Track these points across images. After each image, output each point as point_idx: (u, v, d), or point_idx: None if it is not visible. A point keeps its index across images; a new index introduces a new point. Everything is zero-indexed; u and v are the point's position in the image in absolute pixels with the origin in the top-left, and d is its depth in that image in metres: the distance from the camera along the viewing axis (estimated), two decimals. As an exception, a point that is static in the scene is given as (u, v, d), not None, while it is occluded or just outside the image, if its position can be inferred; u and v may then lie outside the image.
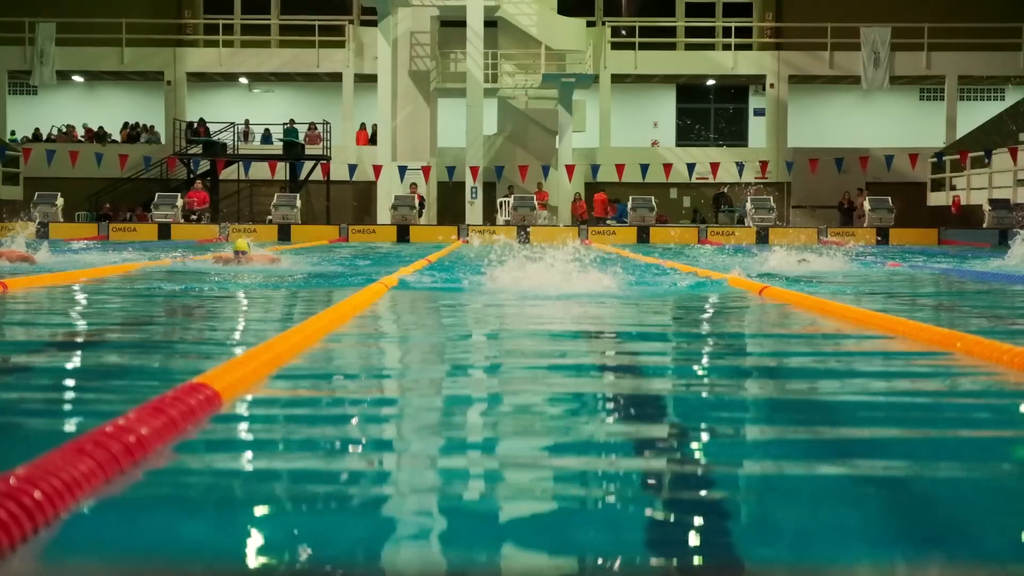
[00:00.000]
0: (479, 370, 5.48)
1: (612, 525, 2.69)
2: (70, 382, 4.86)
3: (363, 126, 38.56)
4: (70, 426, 3.86)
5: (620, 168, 34.53)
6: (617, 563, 2.40)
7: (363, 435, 3.80)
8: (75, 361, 5.59)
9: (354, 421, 4.03)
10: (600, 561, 2.44)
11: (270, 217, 32.85)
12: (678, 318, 8.50)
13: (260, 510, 2.84)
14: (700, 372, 5.41)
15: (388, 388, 4.89)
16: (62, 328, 7.44)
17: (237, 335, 6.97)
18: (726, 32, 38.68)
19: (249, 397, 4.21)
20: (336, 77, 38.34)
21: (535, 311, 8.26)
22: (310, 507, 2.82)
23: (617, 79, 38.33)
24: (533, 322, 7.69)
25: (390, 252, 22.25)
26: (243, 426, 3.83)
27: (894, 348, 6.13)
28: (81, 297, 9.87)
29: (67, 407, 4.28)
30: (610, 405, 4.37)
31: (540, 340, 6.62)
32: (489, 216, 34.75)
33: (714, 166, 35.06)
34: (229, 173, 36.66)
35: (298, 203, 32.65)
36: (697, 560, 2.44)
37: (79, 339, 6.69)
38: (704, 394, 4.80)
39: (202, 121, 37.76)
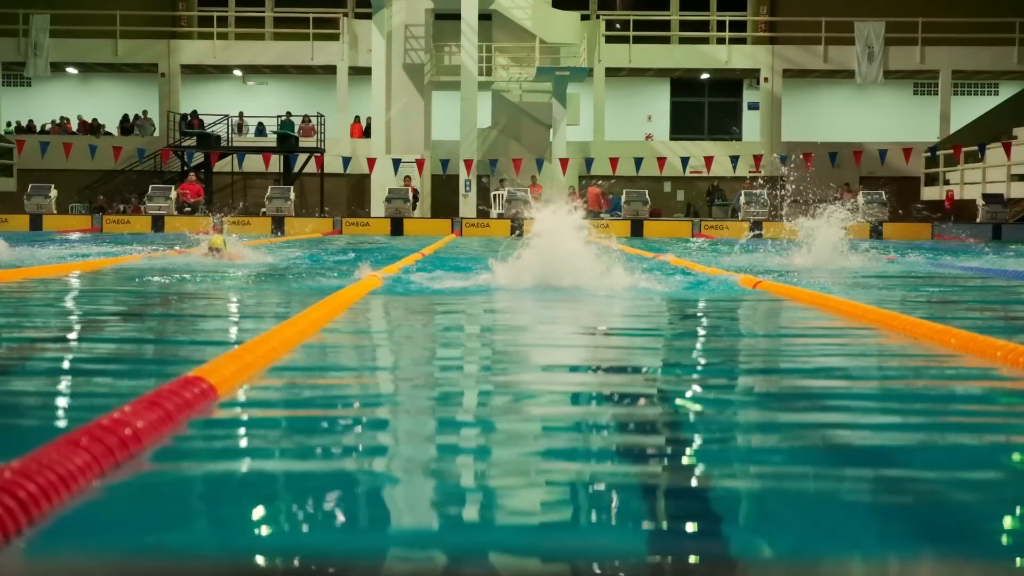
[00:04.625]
0: (478, 362, 5.48)
1: (611, 523, 2.69)
2: (64, 376, 4.85)
3: (357, 119, 38.52)
4: (65, 419, 3.85)
5: (614, 162, 34.52)
6: (615, 562, 2.41)
7: (360, 428, 3.80)
8: (69, 355, 5.58)
9: (350, 414, 4.03)
10: (599, 560, 2.44)
11: (264, 209, 32.80)
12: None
13: (257, 503, 2.83)
14: (700, 368, 5.41)
15: (383, 380, 4.88)
16: (54, 322, 7.41)
17: (230, 329, 6.97)
18: (720, 26, 38.67)
19: (245, 391, 4.20)
20: (330, 70, 38.28)
21: (548, 309, 8.25)
22: (307, 500, 2.82)
23: (611, 73, 38.31)
24: (545, 319, 7.69)
25: (384, 245, 22.23)
26: (239, 420, 3.83)
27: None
28: (70, 290, 9.84)
29: (62, 401, 4.27)
30: (610, 402, 4.37)
31: (551, 335, 6.62)
32: (483, 209, 34.73)
33: (708, 160, 35.08)
34: (223, 165, 36.61)
35: (292, 195, 32.60)
36: (696, 558, 2.44)
37: (72, 333, 6.67)
38: (706, 391, 4.80)
39: (196, 113, 37.67)
